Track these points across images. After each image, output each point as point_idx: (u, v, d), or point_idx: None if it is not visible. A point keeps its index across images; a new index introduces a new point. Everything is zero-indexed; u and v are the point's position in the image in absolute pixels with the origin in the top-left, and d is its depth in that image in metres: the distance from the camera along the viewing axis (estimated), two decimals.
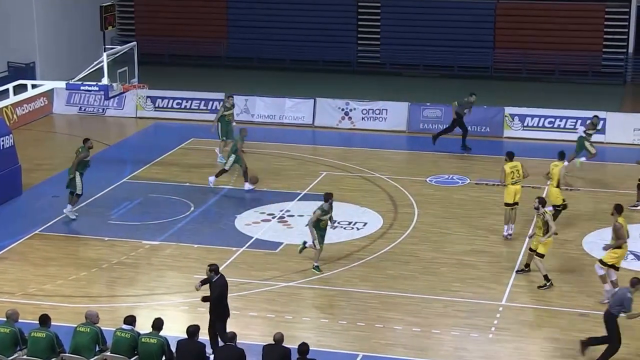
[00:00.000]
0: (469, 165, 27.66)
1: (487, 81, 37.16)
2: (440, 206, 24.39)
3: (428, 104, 31.91)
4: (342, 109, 31.94)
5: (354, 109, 32.08)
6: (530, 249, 19.88)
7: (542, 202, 19.56)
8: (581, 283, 19.71)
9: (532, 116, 30.80)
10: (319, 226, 20.15)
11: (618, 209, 18.77)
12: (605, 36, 37.56)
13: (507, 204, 22.25)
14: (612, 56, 37.54)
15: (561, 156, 22.50)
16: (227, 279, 16.27)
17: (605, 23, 37.57)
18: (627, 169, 26.71)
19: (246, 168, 25.23)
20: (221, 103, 28.82)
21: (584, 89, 35.68)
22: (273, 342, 14.54)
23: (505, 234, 22.22)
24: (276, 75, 38.43)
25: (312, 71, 38.83)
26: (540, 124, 30.68)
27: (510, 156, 22.25)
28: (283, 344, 14.52)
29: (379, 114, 31.98)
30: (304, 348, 14.28)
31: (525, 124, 30.78)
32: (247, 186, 25.24)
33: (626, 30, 37.46)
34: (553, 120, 30.62)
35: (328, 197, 20.29)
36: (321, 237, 20.21)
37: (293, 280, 19.80)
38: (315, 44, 39.43)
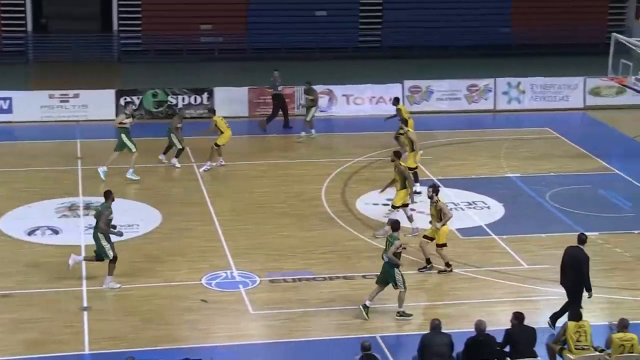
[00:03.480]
0: None
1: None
2: None
3: None
4: None
5: None
6: (425, 236, 19.34)
7: (436, 190, 19.02)
8: None
9: None
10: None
11: (397, 155, 20.93)
12: (3, 15, 37.15)
13: None
14: (13, 35, 37.34)
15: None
16: None
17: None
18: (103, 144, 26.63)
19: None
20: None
21: None
22: None
23: None
24: None
25: None
26: None
27: None
28: None
29: None
30: None
31: None
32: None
33: (24, 8, 37.46)
34: None
35: (396, 227, 17.52)
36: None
37: None
38: None
